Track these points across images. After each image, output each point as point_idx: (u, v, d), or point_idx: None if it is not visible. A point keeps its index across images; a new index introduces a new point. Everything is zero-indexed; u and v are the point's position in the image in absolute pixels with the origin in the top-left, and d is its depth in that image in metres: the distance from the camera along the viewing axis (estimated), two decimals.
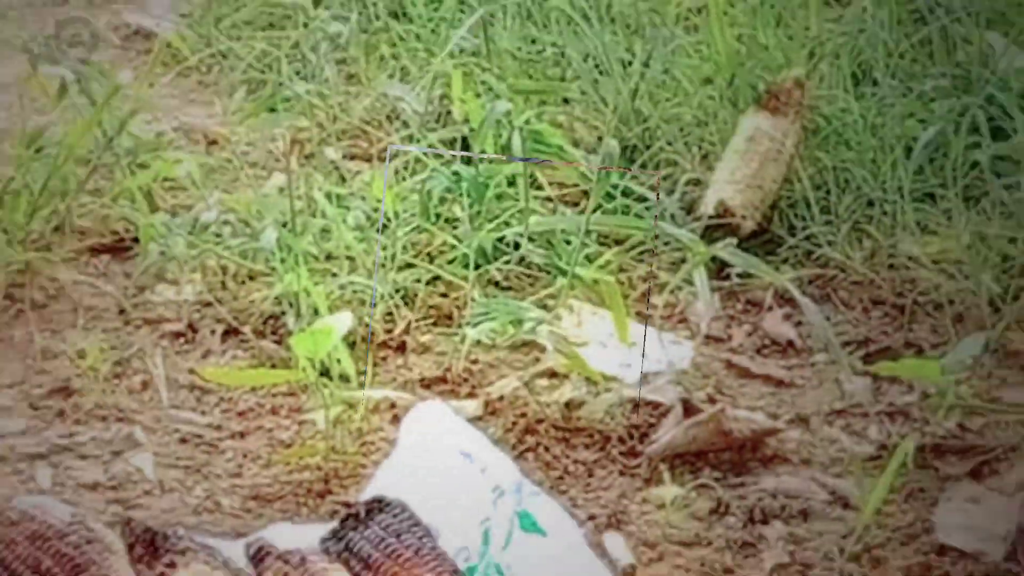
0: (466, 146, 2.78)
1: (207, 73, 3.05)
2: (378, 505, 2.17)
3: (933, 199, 2.81)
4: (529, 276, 2.67)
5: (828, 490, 2.40)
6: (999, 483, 2.44)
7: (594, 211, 2.73)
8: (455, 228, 2.70)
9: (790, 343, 2.64)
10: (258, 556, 2.14)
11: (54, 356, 2.53)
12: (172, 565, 2.04)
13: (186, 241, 2.65)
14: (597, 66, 2.97)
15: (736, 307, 2.70)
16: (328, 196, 2.72)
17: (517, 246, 2.69)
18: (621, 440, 2.44)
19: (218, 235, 2.68)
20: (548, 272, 2.67)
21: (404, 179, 2.77)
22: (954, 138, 2.85)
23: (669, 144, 2.88)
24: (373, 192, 2.70)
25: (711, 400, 2.49)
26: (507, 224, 2.71)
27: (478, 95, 2.81)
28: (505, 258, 2.68)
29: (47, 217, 2.70)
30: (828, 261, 2.74)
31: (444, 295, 2.64)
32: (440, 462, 2.23)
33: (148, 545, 2.07)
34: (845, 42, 3.03)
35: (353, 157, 2.88)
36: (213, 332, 2.59)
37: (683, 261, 2.68)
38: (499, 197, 2.73)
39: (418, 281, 2.64)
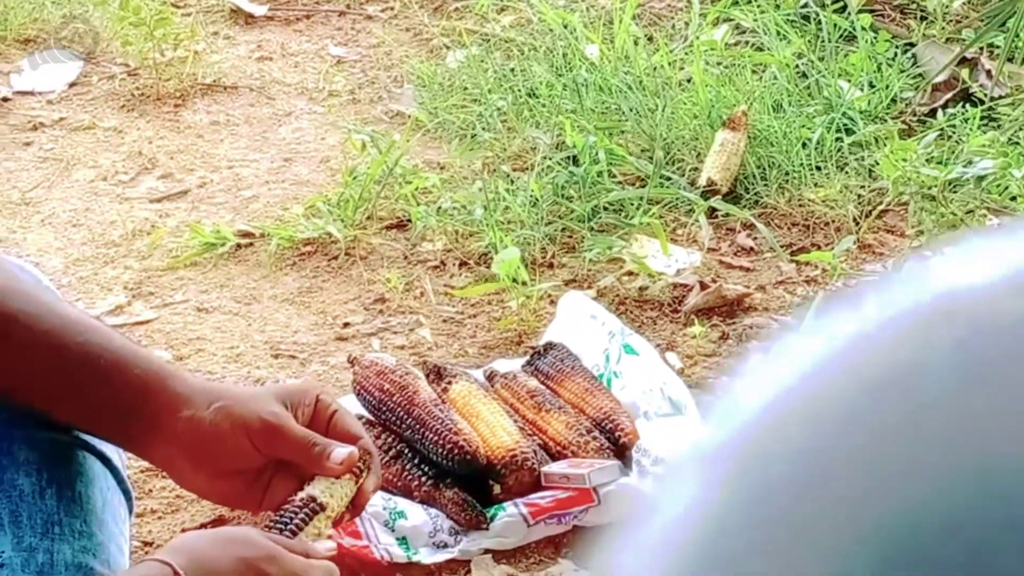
0: (575, 160, 2.77)
1: (437, 133, 3.02)
2: (549, 346, 2.20)
3: (819, 168, 2.79)
4: (614, 223, 2.66)
5: (778, 323, 2.41)
6: None
7: (644, 186, 2.72)
8: (571, 201, 2.69)
9: (751, 248, 2.63)
10: (490, 376, 2.16)
11: (373, 282, 2.53)
12: (449, 383, 2.08)
13: (435, 219, 2.65)
14: (638, 113, 2.95)
15: (722, 232, 2.68)
16: (506, 190, 2.71)
17: (605, 208, 2.69)
18: (669, 305, 2.44)
19: (451, 214, 2.68)
20: (623, 220, 2.65)
21: (544, 177, 2.75)
22: (826, 135, 2.83)
23: (679, 151, 2.86)
24: (530, 186, 2.69)
25: (713, 281, 2.48)
26: (599, 196, 2.69)
27: (579, 133, 2.80)
28: (600, 215, 2.67)
29: (363, 211, 2.70)
30: (767, 205, 2.72)
31: (570, 236, 2.64)
32: (579, 321, 2.25)
33: (436, 373, 2.10)
34: (765, 90, 2.99)
35: (516, 170, 2.86)
36: (455, 265, 2.58)
37: (692, 211, 2.68)
38: (593, 184, 2.72)
39: (556, 230, 2.63)
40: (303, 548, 1.18)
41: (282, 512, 1.21)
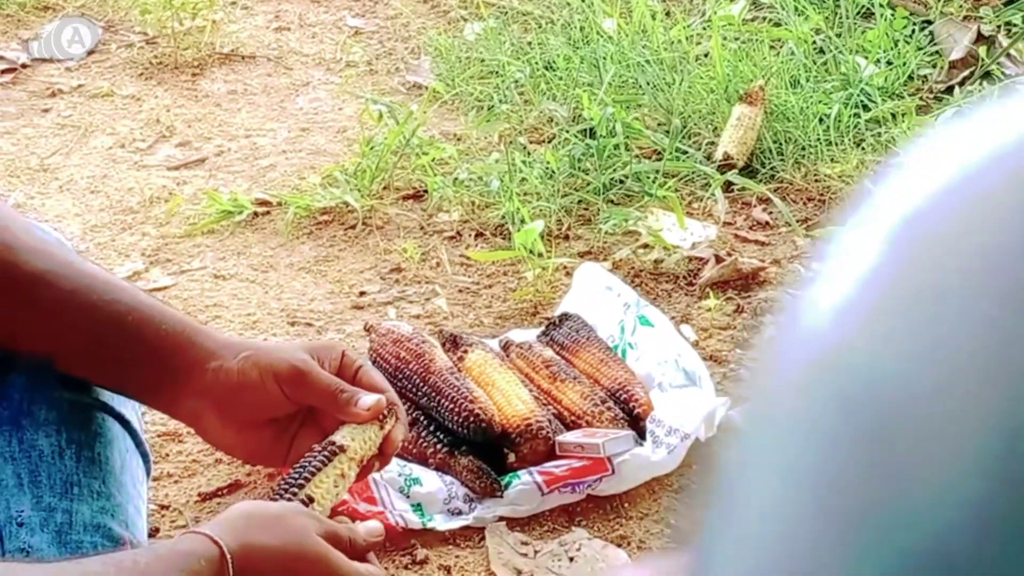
0: (592, 133, 2.77)
1: (454, 104, 3.02)
2: (564, 316, 2.20)
3: (836, 144, 2.78)
4: (630, 196, 2.66)
5: (792, 296, 2.40)
6: None
7: (661, 160, 2.72)
8: (588, 173, 2.69)
9: (767, 223, 2.63)
10: (505, 346, 2.16)
11: (390, 252, 2.53)
12: (465, 351, 2.07)
13: (452, 190, 2.65)
14: (655, 87, 2.95)
15: (737, 206, 2.68)
16: (523, 162, 2.71)
17: (622, 181, 2.68)
18: (684, 278, 2.44)
19: (467, 185, 2.68)
20: (640, 194, 2.65)
21: (561, 149, 2.74)
22: (843, 111, 2.83)
23: (696, 125, 2.86)
24: (546, 158, 2.69)
25: (728, 254, 2.48)
26: (615, 169, 2.69)
27: (596, 106, 2.79)
28: (616, 188, 2.67)
29: (380, 181, 2.71)
30: (783, 179, 2.72)
31: (586, 208, 2.63)
32: (594, 292, 2.24)
33: (452, 342, 2.10)
34: (782, 65, 2.99)
35: (532, 142, 2.86)
36: (471, 235, 2.58)
37: (708, 185, 2.67)
38: (610, 156, 2.71)
39: (572, 202, 2.63)
40: (348, 533, 1.15)
41: (302, 458, 1.21)
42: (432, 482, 1.87)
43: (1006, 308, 0.30)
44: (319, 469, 1.19)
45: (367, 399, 1.22)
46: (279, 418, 1.24)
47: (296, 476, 1.19)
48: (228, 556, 1.05)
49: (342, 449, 1.22)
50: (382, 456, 1.26)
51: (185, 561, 1.04)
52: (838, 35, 3.11)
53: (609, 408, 1.98)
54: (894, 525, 0.30)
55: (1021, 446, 0.29)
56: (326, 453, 1.21)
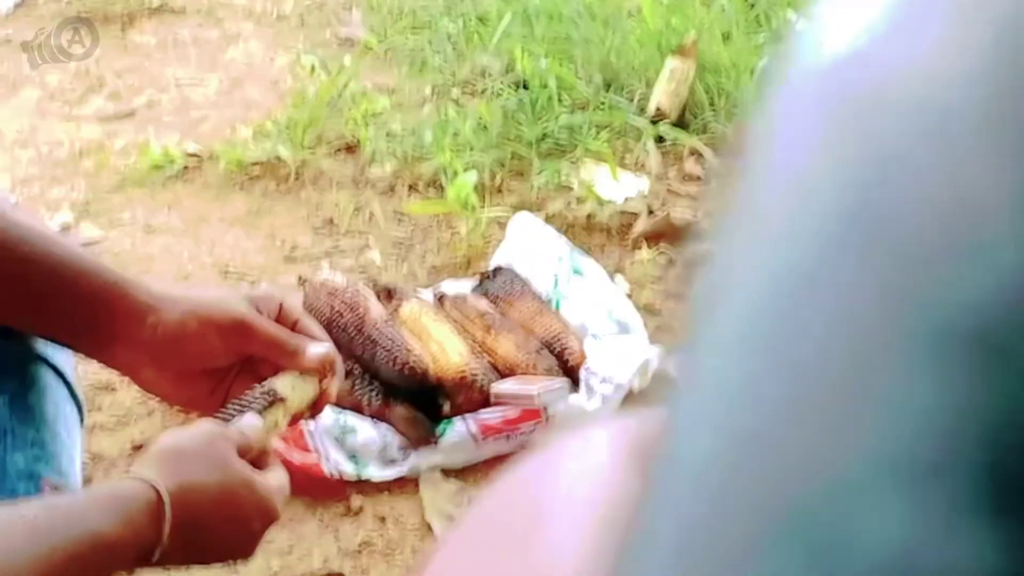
0: (525, 84, 2.76)
1: (386, 57, 3.01)
2: (498, 269, 2.20)
3: None
4: (563, 149, 2.66)
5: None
6: None
7: (592, 112, 2.72)
8: (521, 125, 2.68)
9: (699, 176, 2.63)
10: (439, 297, 2.16)
11: (323, 205, 2.52)
12: (400, 303, 2.07)
13: (385, 142, 2.64)
14: (587, 40, 2.94)
15: (670, 159, 2.68)
16: (456, 113, 2.70)
17: (555, 134, 2.68)
18: (617, 230, 2.44)
19: (401, 138, 2.67)
20: (572, 146, 2.65)
21: (493, 102, 2.74)
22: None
23: (627, 77, 2.86)
24: (479, 111, 2.68)
25: (661, 207, 2.48)
26: (547, 122, 2.69)
27: (529, 57, 2.78)
28: (549, 140, 2.66)
29: (312, 134, 2.69)
30: (715, 132, 2.73)
31: (519, 162, 2.63)
32: (528, 244, 2.24)
33: (386, 294, 2.10)
34: (714, 19, 2.99)
35: (465, 94, 2.85)
36: (404, 188, 2.57)
37: (640, 137, 2.68)
38: (542, 108, 2.71)
39: (505, 155, 2.63)
40: (247, 437, 1.16)
41: (241, 397, 1.20)
42: (367, 432, 1.87)
43: None
44: (258, 414, 1.18)
45: (315, 349, 1.21)
46: (216, 368, 1.24)
47: (232, 415, 1.18)
48: (166, 500, 1.05)
49: (281, 400, 1.21)
50: (315, 408, 1.26)
51: (123, 504, 1.04)
52: None
53: (544, 358, 1.98)
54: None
55: None
56: (266, 399, 1.20)
